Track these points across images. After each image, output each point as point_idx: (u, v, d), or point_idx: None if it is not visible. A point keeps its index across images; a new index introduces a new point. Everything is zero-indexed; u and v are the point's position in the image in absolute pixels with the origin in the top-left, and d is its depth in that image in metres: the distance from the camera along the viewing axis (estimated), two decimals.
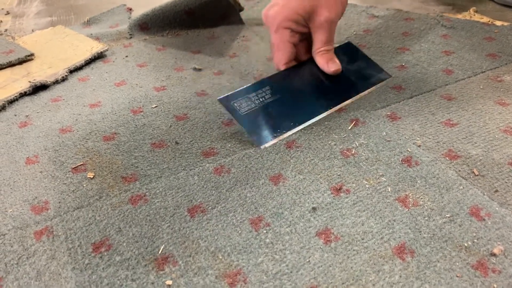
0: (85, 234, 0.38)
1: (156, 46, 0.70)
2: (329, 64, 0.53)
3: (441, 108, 0.52)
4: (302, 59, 0.55)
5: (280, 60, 0.53)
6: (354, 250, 0.36)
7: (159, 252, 0.36)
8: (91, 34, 0.73)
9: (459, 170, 0.43)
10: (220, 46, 0.70)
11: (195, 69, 0.63)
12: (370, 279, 0.33)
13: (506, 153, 0.45)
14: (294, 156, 0.46)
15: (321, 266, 0.35)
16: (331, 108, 0.52)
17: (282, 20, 0.51)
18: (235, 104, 0.49)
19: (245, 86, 0.52)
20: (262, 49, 0.68)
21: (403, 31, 0.71)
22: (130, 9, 0.83)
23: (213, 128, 0.51)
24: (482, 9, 0.78)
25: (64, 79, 0.62)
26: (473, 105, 0.53)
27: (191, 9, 0.71)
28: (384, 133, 0.49)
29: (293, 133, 0.49)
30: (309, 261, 0.35)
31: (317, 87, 0.54)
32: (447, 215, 0.38)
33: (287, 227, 0.38)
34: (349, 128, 0.50)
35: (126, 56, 0.67)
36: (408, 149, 0.46)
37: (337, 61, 0.53)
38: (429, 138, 0.48)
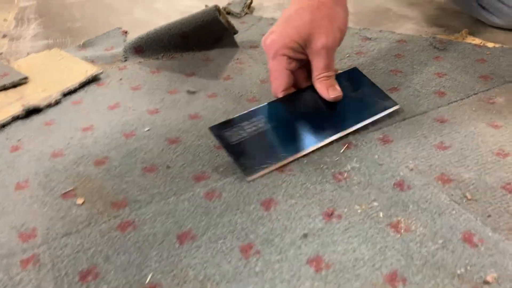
0: (72, 262, 0.38)
1: (151, 69, 0.70)
2: (329, 90, 0.52)
3: (434, 131, 0.52)
4: (302, 86, 0.55)
5: (277, 87, 0.53)
6: (345, 278, 0.35)
7: (147, 281, 0.36)
8: (86, 57, 0.74)
9: (452, 194, 0.43)
10: (214, 69, 0.70)
11: (189, 91, 0.63)
12: None
13: (499, 176, 0.45)
14: (285, 180, 0.46)
15: None
16: (327, 138, 0.50)
17: (279, 48, 0.51)
18: (226, 133, 0.49)
19: (238, 114, 0.51)
20: (256, 71, 0.68)
21: (396, 53, 0.71)
22: (126, 32, 0.84)
23: (205, 152, 0.51)
24: (474, 31, 0.78)
25: (57, 102, 0.62)
26: (465, 127, 0.52)
27: (185, 32, 0.72)
28: (376, 156, 0.48)
29: (282, 164, 0.47)
30: None
31: (315, 115, 0.52)
32: (439, 241, 0.38)
33: (277, 255, 0.38)
34: (341, 151, 0.49)
35: (120, 79, 0.68)
36: (401, 173, 0.46)
37: (338, 87, 0.52)
38: (422, 161, 0.47)
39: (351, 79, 0.57)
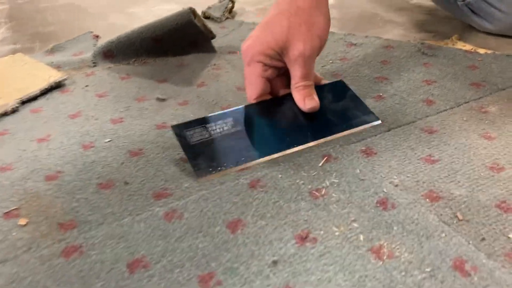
0: None
1: (120, 75, 0.65)
2: (305, 100, 0.48)
3: (421, 143, 0.48)
4: (279, 94, 0.52)
5: (251, 95, 0.50)
6: None
7: None
8: (52, 62, 0.69)
9: (441, 214, 0.38)
10: (188, 75, 0.65)
11: (158, 99, 0.58)
12: None
13: (493, 193, 0.40)
14: (257, 198, 0.41)
15: None
16: (293, 147, 0.47)
17: (254, 54, 0.48)
18: (187, 133, 0.46)
19: (207, 115, 0.49)
20: (233, 78, 0.64)
21: (382, 59, 0.67)
22: (97, 36, 0.79)
23: (170, 166, 0.46)
24: (465, 36, 0.75)
25: (14, 110, 0.57)
26: (456, 139, 0.48)
27: (158, 35, 0.67)
28: (358, 171, 0.44)
29: (242, 169, 0.44)
30: None
31: (287, 123, 0.50)
32: (427, 270, 0.33)
33: (241, 286, 0.33)
34: (320, 164, 0.45)
35: (86, 86, 0.63)
36: (384, 189, 0.41)
37: (316, 98, 0.49)
38: (408, 176, 0.43)
39: (335, 90, 0.54)
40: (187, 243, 0.36)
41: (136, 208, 0.40)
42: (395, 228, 0.37)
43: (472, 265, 0.33)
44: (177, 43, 0.69)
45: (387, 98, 0.57)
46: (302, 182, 0.43)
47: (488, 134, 0.49)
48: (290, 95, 0.50)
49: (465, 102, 0.55)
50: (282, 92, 0.52)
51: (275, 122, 0.50)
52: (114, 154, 0.48)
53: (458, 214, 0.38)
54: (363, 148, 0.47)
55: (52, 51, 0.75)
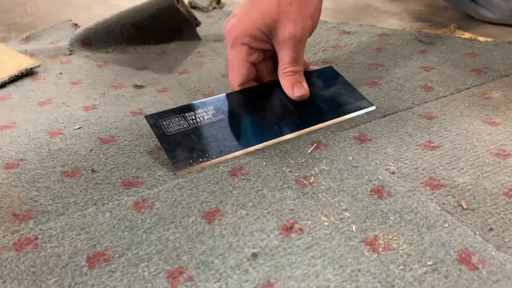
0: None
1: (97, 63, 0.61)
2: (294, 87, 0.44)
3: (420, 129, 0.44)
4: (266, 81, 0.47)
5: (234, 80, 0.46)
6: None
7: None
8: (26, 50, 0.65)
9: (443, 203, 0.34)
10: (170, 62, 0.61)
11: (136, 86, 0.54)
12: None
13: (500, 181, 0.36)
14: (238, 186, 0.37)
15: None
16: (281, 136, 0.43)
17: (239, 35, 0.43)
18: (163, 123, 0.42)
19: (186, 104, 0.44)
20: (217, 65, 0.60)
21: (376, 47, 0.63)
22: (76, 25, 0.75)
23: (143, 153, 0.41)
24: (463, 26, 0.71)
25: None
26: (457, 124, 0.44)
27: (138, 21, 0.63)
28: (351, 158, 0.40)
29: (225, 159, 0.40)
30: None
31: (274, 112, 0.45)
32: (428, 263, 0.29)
33: (215, 282, 0.28)
34: (309, 151, 0.41)
35: (60, 73, 0.58)
36: (379, 177, 0.37)
37: (305, 85, 0.45)
38: (405, 163, 0.39)
39: (325, 77, 0.50)
40: (157, 235, 0.32)
41: (102, 198, 0.36)
42: (391, 217, 0.33)
43: (480, 258, 0.29)
44: (159, 29, 0.65)
45: (383, 84, 0.53)
46: (288, 169, 0.38)
47: (492, 120, 0.45)
48: (277, 82, 0.46)
49: (466, 88, 0.51)
50: (268, 78, 0.47)
51: (260, 110, 0.45)
52: (83, 142, 0.43)
53: (462, 202, 0.34)
54: (356, 134, 0.43)
55: (27, 39, 0.71)
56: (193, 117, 0.43)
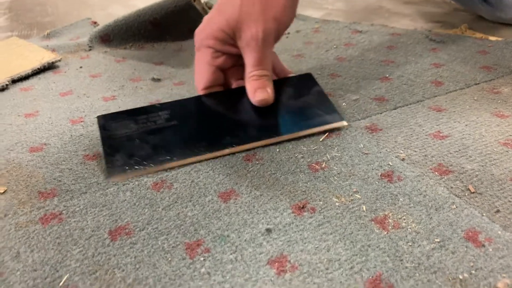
0: None
1: (116, 58, 0.63)
2: (256, 92, 0.42)
3: (430, 120, 0.45)
4: (233, 87, 0.46)
5: (198, 83, 0.45)
6: (314, 284, 0.27)
7: (61, 283, 0.28)
8: (47, 45, 0.67)
9: (451, 187, 0.35)
10: (186, 58, 0.63)
11: (153, 79, 0.56)
12: None
13: (508, 168, 0.37)
14: (252, 170, 0.38)
15: None
16: (232, 147, 0.40)
17: (204, 38, 0.43)
18: (112, 125, 0.40)
19: (141, 106, 0.43)
20: None
21: (388, 44, 0.65)
22: (95, 23, 0.77)
23: None
24: (474, 26, 0.72)
25: (3, 88, 0.55)
26: (466, 116, 0.45)
27: (156, 19, 0.65)
28: (362, 145, 0.41)
29: (165, 169, 0.38)
30: None
31: (233, 119, 0.43)
32: (436, 240, 0.30)
33: (231, 254, 0.30)
34: (321, 139, 0.42)
35: (80, 67, 0.61)
36: (390, 163, 0.38)
37: (270, 90, 0.42)
38: (415, 151, 0.40)
39: (300, 85, 0.47)
40: (175, 212, 0.33)
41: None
42: (401, 199, 0.34)
43: (487, 236, 0.30)
44: (176, 27, 0.67)
45: (394, 79, 0.54)
46: (301, 155, 0.40)
47: (501, 113, 0.46)
48: (244, 88, 0.43)
49: (476, 84, 0.52)
50: (237, 85, 0.46)
51: (218, 118, 0.43)
52: None
53: (470, 187, 0.35)
54: (368, 124, 0.44)
55: (48, 36, 0.73)
56: (145, 120, 0.41)
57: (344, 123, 0.43)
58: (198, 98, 0.44)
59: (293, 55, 0.63)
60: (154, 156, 0.39)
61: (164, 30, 0.67)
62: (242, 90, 0.43)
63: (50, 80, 0.57)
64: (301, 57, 0.62)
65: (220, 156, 0.39)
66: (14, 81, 0.56)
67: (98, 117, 0.42)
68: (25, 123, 0.47)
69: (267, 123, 0.42)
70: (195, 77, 0.45)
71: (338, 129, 0.43)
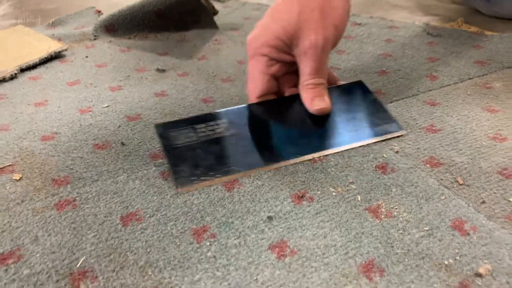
0: None
1: (120, 48, 0.65)
2: (314, 101, 0.42)
3: (424, 114, 0.47)
4: (286, 94, 0.45)
5: (252, 92, 0.44)
6: (312, 267, 0.30)
7: (77, 265, 0.30)
8: (53, 34, 0.68)
9: (441, 179, 0.37)
10: (189, 49, 0.65)
11: (158, 70, 0.58)
12: None
13: (495, 161, 0.39)
14: None
15: (270, 285, 0.28)
16: (295, 158, 0.40)
17: (259, 46, 0.42)
18: (171, 133, 0.41)
19: (197, 115, 0.43)
20: (234, 52, 0.63)
21: (386, 38, 0.66)
22: (99, 12, 0.79)
23: None
24: (471, 20, 0.74)
25: (13, 77, 0.56)
26: (458, 111, 0.47)
27: (160, 9, 0.67)
28: None
29: (230, 180, 0.38)
30: (256, 279, 0.29)
31: (292, 129, 0.42)
32: (425, 228, 0.32)
33: (235, 239, 0.32)
34: None
35: (86, 57, 0.62)
36: (384, 155, 0.40)
37: (327, 99, 0.42)
38: (409, 144, 0.42)
39: (353, 93, 0.46)
40: (182, 199, 0.36)
41: (132, 167, 0.40)
42: (394, 190, 0.36)
43: (472, 226, 0.33)
44: (180, 18, 0.68)
45: (391, 73, 0.56)
46: None
47: (492, 108, 0.48)
48: (298, 96, 0.43)
49: (469, 78, 0.54)
50: (290, 92, 0.45)
51: (276, 127, 0.43)
52: (111, 118, 0.47)
53: (459, 179, 0.37)
54: None
55: (53, 24, 0.75)
56: (204, 129, 0.41)
57: (404, 132, 0.43)
58: (253, 106, 0.44)
59: None
60: (218, 167, 0.38)
61: (168, 20, 0.68)
62: (296, 98, 0.43)
63: (57, 69, 0.59)
64: None
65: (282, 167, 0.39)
66: (23, 70, 0.58)
67: (156, 125, 0.42)
68: (36, 112, 0.49)
69: (326, 133, 0.42)
70: (248, 86, 0.45)
71: None
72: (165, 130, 0.41)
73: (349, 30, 0.69)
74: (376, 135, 0.43)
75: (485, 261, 0.30)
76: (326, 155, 0.40)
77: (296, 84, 0.44)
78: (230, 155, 0.39)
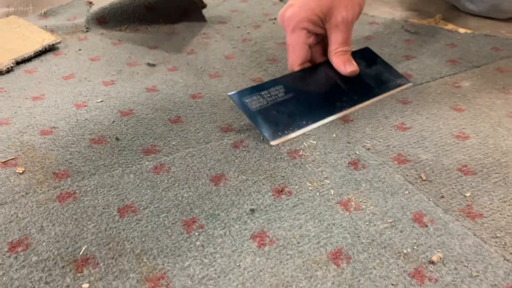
0: (3, 232, 0.35)
1: (112, 40, 0.67)
2: (346, 65, 0.51)
3: (396, 112, 0.51)
4: (317, 62, 0.54)
5: (294, 61, 0.52)
6: (288, 255, 0.34)
7: (80, 253, 0.34)
8: (46, 26, 0.71)
9: (407, 175, 0.42)
10: (178, 43, 0.67)
11: (149, 64, 0.61)
12: (301, 285, 0.32)
13: (456, 158, 0.44)
14: (239, 156, 0.44)
15: (251, 271, 0.33)
16: (346, 110, 0.50)
17: (299, 21, 0.50)
18: (246, 100, 0.48)
19: (257, 84, 0.51)
20: (222, 47, 0.66)
21: (366, 34, 0.70)
22: (90, 3, 0.81)
23: (158, 125, 0.49)
24: (448, 17, 0.77)
25: (9, 70, 0.59)
26: (428, 109, 0.51)
27: (150, 3, 0.69)
28: (334, 135, 0.47)
29: (304, 132, 0.47)
30: (239, 265, 0.33)
31: (332, 88, 0.52)
32: (389, 220, 0.37)
33: (221, 230, 0.36)
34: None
35: (79, 50, 0.65)
36: (357, 152, 0.44)
37: (354, 62, 0.52)
38: (379, 141, 0.46)
39: (365, 57, 0.57)
40: (173, 193, 0.40)
41: (126, 162, 0.43)
42: (363, 185, 0.40)
43: (430, 218, 0.37)
44: (169, 11, 0.71)
45: None
46: (282, 144, 0.46)
47: (458, 106, 0.52)
48: (326, 63, 0.53)
49: (441, 77, 0.58)
50: (318, 60, 0.54)
51: (321, 87, 0.52)
52: (106, 113, 0.50)
53: (422, 175, 0.42)
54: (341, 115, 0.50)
55: (45, 15, 0.76)
56: (268, 95, 0.49)
57: (411, 84, 0.56)
58: (299, 73, 0.52)
59: (278, 43, 0.68)
60: (293, 123, 0.47)
61: (158, 14, 0.71)
62: (325, 64, 0.53)
63: (52, 62, 0.61)
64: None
65: (338, 118, 0.50)
66: (18, 63, 0.60)
67: (230, 95, 0.48)
68: (33, 106, 0.52)
69: (360, 89, 0.53)
70: (290, 56, 0.52)
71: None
72: (239, 98, 0.48)
73: None
74: (393, 87, 0.55)
75: (438, 250, 0.34)
76: (304, 151, 0.44)
77: (322, 52, 0.54)
78: (298, 113, 0.48)
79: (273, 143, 0.45)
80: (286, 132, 0.46)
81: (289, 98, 0.49)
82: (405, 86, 0.55)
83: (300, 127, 0.47)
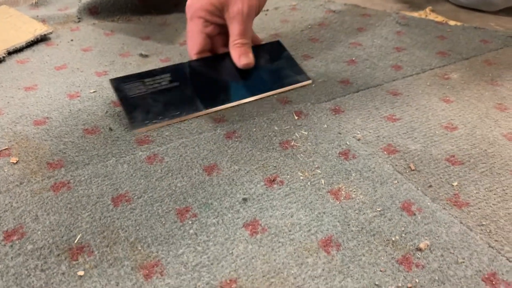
0: None
1: (104, 31, 0.67)
2: (241, 57, 0.52)
3: (386, 103, 0.52)
4: (219, 52, 0.55)
5: (191, 49, 0.53)
6: (279, 242, 0.35)
7: (75, 241, 0.34)
8: (37, 16, 0.70)
9: (396, 165, 0.43)
10: (171, 34, 0.67)
11: (141, 55, 0.61)
12: (292, 272, 0.32)
13: (444, 149, 0.45)
14: (232, 146, 0.45)
15: (244, 258, 0.33)
16: (226, 103, 0.50)
17: (196, 10, 0.51)
18: (125, 86, 0.48)
19: (144, 70, 0.51)
20: None
21: (358, 26, 0.70)
22: None
23: None
24: (439, 9, 0.78)
25: (1, 60, 0.59)
26: (417, 101, 0.52)
27: None
28: (325, 126, 0.48)
29: (176, 122, 0.48)
30: (232, 253, 0.34)
31: (224, 80, 0.53)
32: (378, 209, 0.38)
33: (214, 218, 0.37)
34: (291, 119, 0.49)
35: (71, 40, 0.65)
36: (347, 142, 0.45)
37: (251, 55, 0.52)
38: (370, 132, 0.47)
39: (272, 50, 0.57)
40: (167, 182, 0.40)
41: (120, 152, 0.44)
42: (353, 174, 0.41)
43: (418, 207, 0.38)
44: (162, 2, 0.71)
45: (359, 62, 0.60)
46: (274, 134, 0.46)
47: (447, 98, 0.53)
48: (227, 54, 0.53)
49: (430, 69, 0.59)
50: (221, 50, 0.55)
51: (212, 79, 0.52)
52: (99, 104, 0.51)
53: (411, 165, 0.43)
54: (332, 106, 0.51)
55: (36, 5, 0.76)
56: (151, 82, 0.49)
57: (310, 81, 0.55)
58: (192, 62, 0.52)
59: (270, 34, 0.68)
60: (166, 112, 0.47)
61: (150, 4, 0.71)
62: (227, 55, 0.53)
63: (44, 53, 0.61)
64: (278, 36, 0.67)
65: (217, 111, 0.50)
66: (10, 53, 0.60)
67: (111, 80, 0.48)
68: (26, 97, 0.52)
69: (251, 83, 0.53)
70: (188, 43, 0.53)
71: (306, 110, 0.50)
72: (118, 83, 0.48)
73: (324, 17, 0.73)
74: (289, 84, 0.54)
75: (426, 237, 0.35)
76: (296, 141, 0.45)
77: (225, 43, 0.54)
78: (175, 103, 0.48)
79: (134, 131, 0.46)
80: (154, 121, 0.47)
81: (172, 87, 0.50)
82: (304, 83, 0.54)
83: (172, 117, 0.47)
